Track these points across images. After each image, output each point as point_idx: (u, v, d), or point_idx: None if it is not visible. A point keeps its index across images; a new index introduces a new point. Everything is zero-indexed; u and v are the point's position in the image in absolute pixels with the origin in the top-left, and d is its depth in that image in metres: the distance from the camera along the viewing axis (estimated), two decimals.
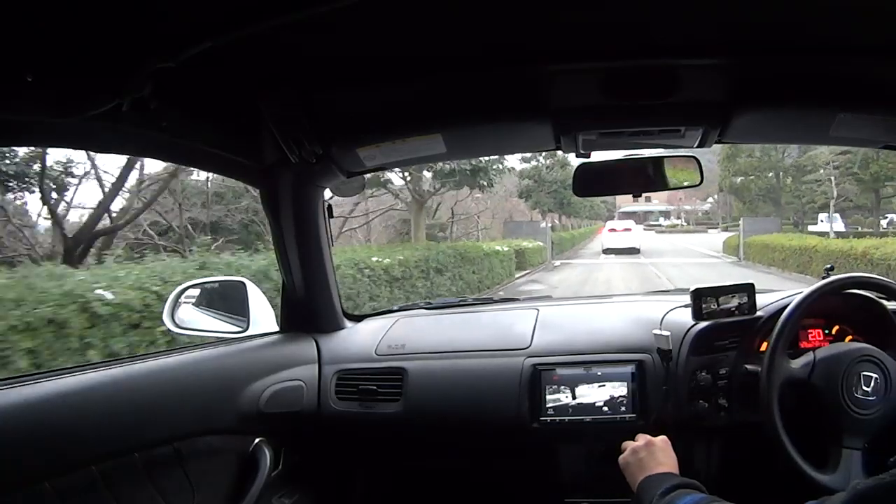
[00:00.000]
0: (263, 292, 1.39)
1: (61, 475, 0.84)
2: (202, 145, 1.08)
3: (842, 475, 1.00)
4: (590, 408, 1.22)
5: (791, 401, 1.06)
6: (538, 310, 1.43)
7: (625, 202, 53.87)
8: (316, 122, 1.07)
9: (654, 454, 0.98)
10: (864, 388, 1.02)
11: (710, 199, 39.27)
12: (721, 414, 1.17)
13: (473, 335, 1.39)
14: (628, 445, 1.03)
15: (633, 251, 18.79)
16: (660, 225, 42.44)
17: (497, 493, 1.41)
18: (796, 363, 1.08)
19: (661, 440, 1.01)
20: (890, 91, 0.98)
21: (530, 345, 1.30)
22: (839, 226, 21.03)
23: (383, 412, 1.30)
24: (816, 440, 1.05)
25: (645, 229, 37.97)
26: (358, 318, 1.55)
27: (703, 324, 1.21)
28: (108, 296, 2.93)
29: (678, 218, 46.78)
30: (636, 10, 0.81)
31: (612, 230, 20.80)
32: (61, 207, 8.61)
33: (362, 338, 1.43)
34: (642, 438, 1.02)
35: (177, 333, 1.36)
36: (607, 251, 19.01)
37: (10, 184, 7.39)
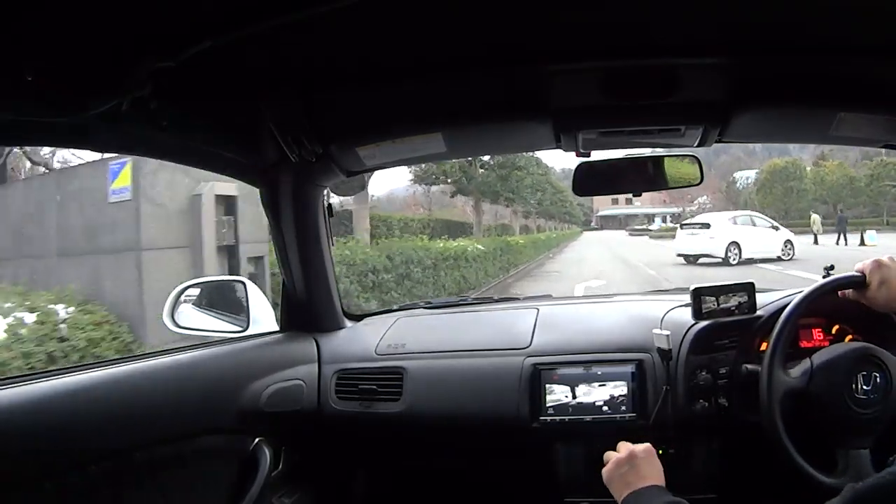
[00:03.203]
0: None
1: (61, 475, 0.84)
2: (202, 145, 1.09)
3: (851, 477, 0.99)
4: (590, 407, 1.22)
5: (792, 405, 1.06)
6: (538, 309, 1.43)
7: (604, 205, 49.40)
8: (316, 122, 1.07)
9: (637, 467, 0.94)
10: (865, 387, 1.02)
11: (699, 201, 33.84)
12: (721, 414, 1.17)
13: (473, 335, 1.39)
14: (610, 457, 0.98)
15: (719, 262, 11.84)
16: (648, 230, 35.48)
17: (497, 493, 1.41)
18: (794, 373, 1.07)
19: (643, 449, 0.96)
20: (890, 91, 0.98)
21: (530, 344, 1.30)
22: None
23: (383, 412, 1.30)
24: (822, 442, 1.05)
25: (630, 235, 32.51)
26: (358, 318, 1.55)
27: (703, 323, 1.21)
28: None
29: (665, 221, 40.15)
30: (636, 10, 0.81)
31: (685, 225, 13.91)
32: None
33: (362, 337, 1.43)
34: (624, 449, 0.98)
35: (177, 333, 1.36)
36: (681, 257, 12.68)
37: None
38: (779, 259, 12.01)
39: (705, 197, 32.82)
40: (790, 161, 27.17)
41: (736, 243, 11.96)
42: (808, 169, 26.82)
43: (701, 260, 12.00)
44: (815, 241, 17.25)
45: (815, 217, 19.40)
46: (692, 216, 36.81)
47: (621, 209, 48.31)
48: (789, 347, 1.10)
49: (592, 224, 47.31)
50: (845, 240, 16.58)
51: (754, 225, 13.24)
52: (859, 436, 1.03)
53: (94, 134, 0.89)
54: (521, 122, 1.12)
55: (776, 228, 13.25)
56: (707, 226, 12.71)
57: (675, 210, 40.18)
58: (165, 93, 0.80)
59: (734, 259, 11.79)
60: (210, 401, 1.12)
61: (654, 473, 0.93)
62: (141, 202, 3.77)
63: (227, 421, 1.14)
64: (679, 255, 12.62)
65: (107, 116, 0.76)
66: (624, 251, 17.48)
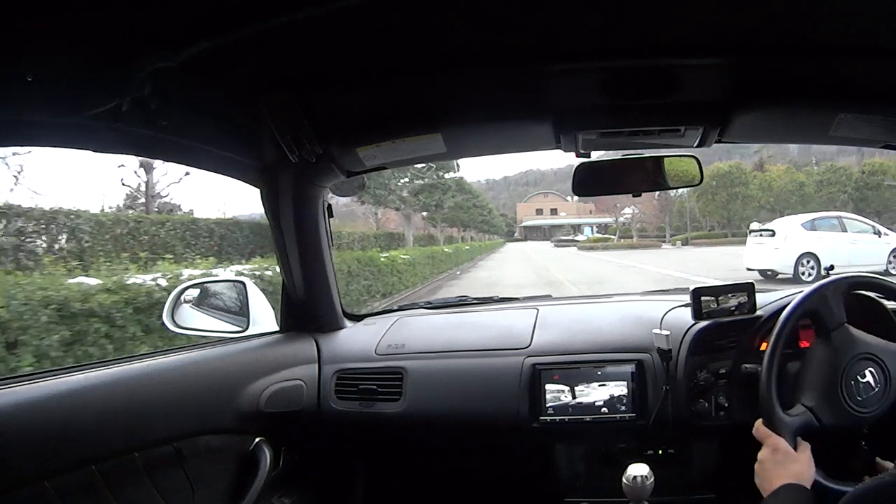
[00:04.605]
0: None
1: (61, 475, 0.84)
2: (202, 145, 1.09)
3: (851, 478, 0.99)
4: (589, 407, 1.22)
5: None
6: (538, 309, 1.43)
7: (527, 216, 50.00)
8: (316, 122, 1.07)
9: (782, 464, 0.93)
10: (866, 383, 1.02)
11: (628, 211, 31.19)
12: (721, 413, 1.17)
13: (473, 335, 1.39)
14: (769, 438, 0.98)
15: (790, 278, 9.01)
16: (575, 240, 32.69)
17: (497, 493, 1.41)
18: (793, 420, 1.02)
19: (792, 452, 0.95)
20: (890, 91, 0.98)
21: (530, 344, 1.30)
22: None
23: (383, 412, 1.30)
24: (822, 444, 1.05)
25: (556, 246, 31.07)
26: (358, 318, 1.55)
27: (703, 323, 1.21)
28: None
29: (593, 231, 37.07)
30: (636, 10, 0.81)
31: (754, 231, 10.83)
32: None
33: (362, 337, 1.43)
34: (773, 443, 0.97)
35: (177, 333, 1.36)
36: (755, 272, 9.50)
37: None
38: (886, 273, 8.69)
39: (635, 207, 29.44)
40: (734, 165, 25.14)
41: (812, 255, 9.14)
42: (754, 174, 24.64)
43: (780, 276, 9.15)
44: None
45: (755, 226, 15.94)
46: (624, 227, 32.28)
47: (546, 219, 47.98)
48: (789, 347, 1.10)
49: (516, 235, 46.79)
50: None
51: (844, 230, 10.12)
52: (858, 436, 1.03)
53: (93, 134, 0.89)
54: (521, 122, 1.12)
55: (878, 234, 10.16)
56: (772, 233, 9.80)
57: (605, 220, 37.55)
58: (165, 93, 0.80)
59: (808, 275, 8.92)
60: (210, 401, 1.12)
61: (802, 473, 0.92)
62: None
63: (226, 421, 1.14)
64: (749, 269, 9.55)
65: (107, 116, 0.77)
66: (552, 268, 14.80)
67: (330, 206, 1.39)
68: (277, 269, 1.43)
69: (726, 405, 1.17)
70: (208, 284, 1.52)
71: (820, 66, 0.95)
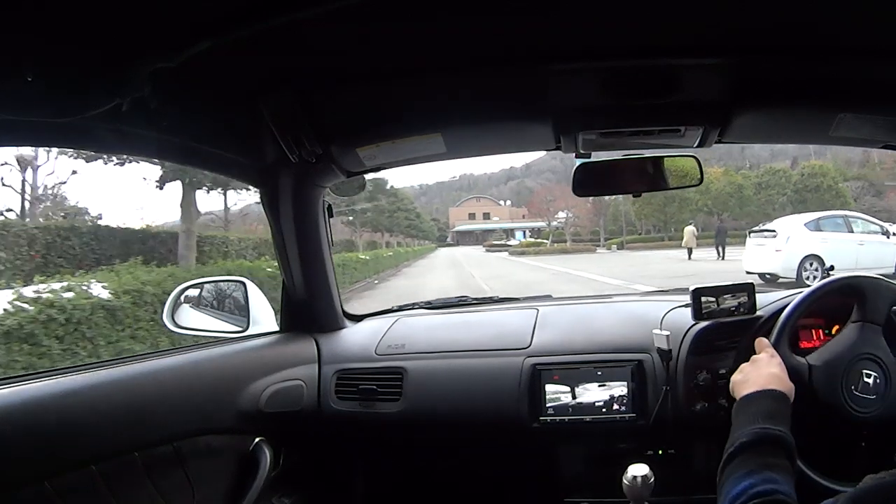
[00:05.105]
0: None
1: (61, 475, 0.84)
2: (202, 145, 1.09)
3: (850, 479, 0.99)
4: (590, 407, 1.22)
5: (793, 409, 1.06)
6: (538, 309, 1.43)
7: (460, 220, 50.70)
8: (316, 122, 1.07)
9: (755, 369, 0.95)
10: (866, 383, 1.02)
11: (562, 214, 31.14)
12: (721, 414, 1.17)
13: (473, 335, 1.39)
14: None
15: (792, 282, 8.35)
16: (507, 245, 32.43)
17: (497, 493, 1.41)
18: (792, 359, 1.06)
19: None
20: (890, 91, 0.98)
21: (530, 344, 1.30)
22: None
23: (383, 412, 1.30)
24: (822, 445, 1.05)
25: (487, 251, 30.81)
26: (358, 318, 1.55)
27: (703, 323, 1.21)
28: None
29: (526, 235, 36.38)
30: (636, 10, 0.81)
31: (754, 232, 10.11)
32: None
33: (362, 337, 1.43)
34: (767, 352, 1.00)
35: (177, 333, 1.36)
36: (755, 276, 8.59)
37: None
38: (895, 276, 6.33)
39: (569, 211, 29.29)
40: None
41: (816, 257, 8.55)
42: None
43: (782, 279, 8.61)
44: (689, 257, 15.15)
45: (688, 229, 16.81)
46: (556, 231, 31.68)
47: (478, 224, 48.11)
48: (789, 347, 1.10)
49: (449, 240, 46.96)
50: (723, 253, 14.41)
51: (850, 230, 9.48)
52: (858, 436, 1.03)
53: (94, 134, 0.89)
54: (522, 122, 1.12)
55: (887, 234, 9.45)
56: (773, 233, 9.19)
57: (538, 224, 36.73)
58: (165, 93, 0.80)
59: (813, 279, 8.02)
60: (210, 401, 1.12)
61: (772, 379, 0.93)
62: None
63: (227, 421, 1.14)
64: (749, 272, 8.71)
65: (107, 117, 0.77)
66: (478, 275, 13.54)
67: (330, 206, 1.39)
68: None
69: (726, 406, 1.17)
70: (208, 284, 1.52)
71: (820, 66, 0.95)
